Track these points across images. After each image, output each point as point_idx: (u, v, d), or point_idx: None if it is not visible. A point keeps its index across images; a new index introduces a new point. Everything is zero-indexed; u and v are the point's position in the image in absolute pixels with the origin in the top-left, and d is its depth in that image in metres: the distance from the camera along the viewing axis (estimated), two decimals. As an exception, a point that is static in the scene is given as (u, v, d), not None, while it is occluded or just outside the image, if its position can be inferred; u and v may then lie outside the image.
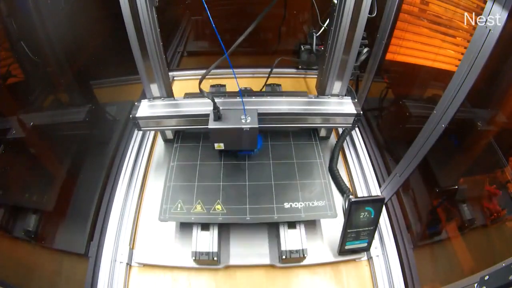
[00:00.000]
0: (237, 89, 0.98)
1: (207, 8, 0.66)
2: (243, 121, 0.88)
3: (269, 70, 1.29)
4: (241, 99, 0.88)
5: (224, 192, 0.92)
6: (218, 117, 0.88)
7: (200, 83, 0.80)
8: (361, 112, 0.97)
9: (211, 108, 0.88)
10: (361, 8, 0.80)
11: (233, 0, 1.47)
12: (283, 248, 0.85)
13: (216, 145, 0.93)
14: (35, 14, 0.86)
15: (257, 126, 0.88)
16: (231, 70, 0.79)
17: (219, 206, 0.88)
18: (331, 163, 1.08)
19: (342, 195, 1.02)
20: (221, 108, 0.88)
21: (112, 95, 1.28)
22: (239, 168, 0.99)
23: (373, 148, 1.19)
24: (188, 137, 1.08)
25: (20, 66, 0.85)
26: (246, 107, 0.89)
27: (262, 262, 0.89)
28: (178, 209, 0.88)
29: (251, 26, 0.76)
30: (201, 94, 0.82)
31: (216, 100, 0.87)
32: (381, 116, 1.32)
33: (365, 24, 0.84)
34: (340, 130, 1.18)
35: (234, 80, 0.83)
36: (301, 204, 0.89)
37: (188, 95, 1.07)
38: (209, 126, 0.88)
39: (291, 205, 0.89)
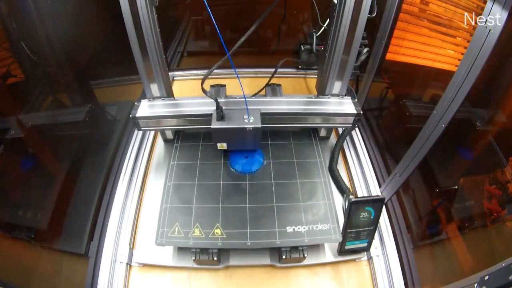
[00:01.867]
0: (236, 88, 0.98)
1: (209, 8, 0.66)
2: (246, 120, 0.88)
3: (268, 70, 1.30)
4: (244, 99, 0.88)
5: (223, 215, 0.87)
6: (221, 117, 0.88)
7: (202, 83, 0.80)
8: (361, 112, 0.97)
9: (212, 108, 0.88)
10: (361, 8, 0.80)
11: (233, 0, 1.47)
12: (283, 248, 0.85)
13: (218, 145, 0.92)
14: (35, 14, 0.86)
15: (260, 125, 0.87)
16: (231, 70, 0.79)
17: (218, 230, 0.84)
18: (331, 163, 1.08)
19: (342, 195, 1.02)
20: (223, 108, 0.88)
21: (112, 95, 1.28)
22: (240, 188, 0.94)
23: (373, 148, 1.19)
24: (186, 150, 1.04)
25: (20, 66, 0.85)
26: (249, 107, 0.89)
27: (262, 262, 0.89)
28: (176, 233, 0.84)
29: (252, 27, 0.76)
30: (204, 94, 0.82)
31: (218, 100, 0.87)
32: (381, 116, 1.32)
33: (365, 24, 0.84)
34: (340, 130, 1.18)
35: (234, 79, 0.84)
36: (304, 228, 0.85)
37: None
38: (212, 126, 0.87)
39: (294, 229, 0.84)
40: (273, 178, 0.96)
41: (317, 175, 0.97)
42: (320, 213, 0.88)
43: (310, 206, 0.89)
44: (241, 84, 0.84)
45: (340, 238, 0.84)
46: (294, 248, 0.85)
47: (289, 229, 0.85)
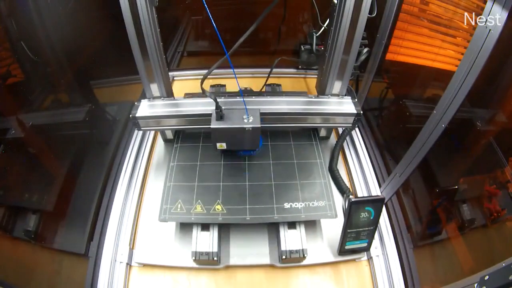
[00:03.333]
0: (236, 89, 0.98)
1: (207, 8, 0.66)
2: (245, 120, 0.88)
3: (269, 70, 1.29)
4: (242, 99, 0.88)
5: (224, 192, 0.92)
6: (220, 116, 0.88)
7: (202, 83, 0.80)
8: (361, 112, 0.97)
9: (212, 107, 0.88)
10: (361, 8, 0.80)
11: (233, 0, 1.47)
12: (283, 248, 0.85)
13: (218, 145, 0.93)
14: (35, 14, 0.86)
15: (259, 125, 0.88)
16: (231, 70, 0.79)
17: (219, 206, 0.88)
18: (331, 163, 1.08)
19: (342, 195, 1.02)
20: (223, 107, 0.88)
21: (112, 95, 1.28)
22: (239, 168, 0.99)
23: (373, 148, 1.19)
24: (188, 137, 1.08)
25: (20, 66, 0.85)
26: (248, 107, 0.89)
27: (262, 262, 0.89)
28: (178, 209, 0.88)
29: (252, 27, 0.76)
30: (203, 94, 0.82)
31: (218, 100, 0.87)
32: (381, 116, 1.32)
33: (365, 24, 0.84)
34: (340, 130, 1.18)
35: (234, 80, 0.83)
36: (301, 204, 0.89)
37: (188, 95, 1.07)
38: (211, 126, 0.88)
39: (291, 205, 0.89)
40: (272, 159, 1.00)
41: (313, 157, 1.02)
42: (316, 191, 0.93)
43: (307, 185, 0.94)
44: (239, 84, 0.84)
45: (335, 215, 0.87)
46: (294, 248, 0.85)
47: (287, 205, 0.89)
